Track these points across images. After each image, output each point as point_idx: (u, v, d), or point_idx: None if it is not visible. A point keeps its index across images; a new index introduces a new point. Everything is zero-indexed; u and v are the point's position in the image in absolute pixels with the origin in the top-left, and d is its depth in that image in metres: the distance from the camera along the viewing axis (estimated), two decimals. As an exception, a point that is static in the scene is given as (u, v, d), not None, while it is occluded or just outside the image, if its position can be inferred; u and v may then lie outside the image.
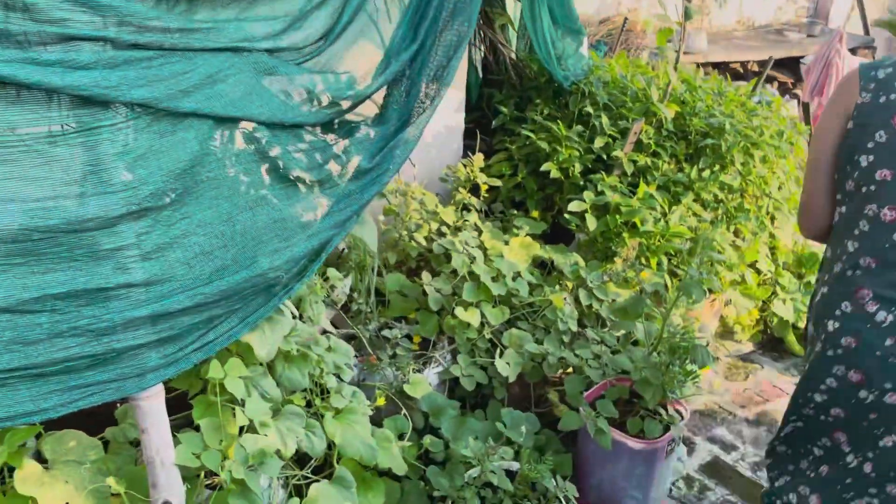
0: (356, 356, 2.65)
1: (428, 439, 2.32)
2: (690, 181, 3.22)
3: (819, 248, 3.58)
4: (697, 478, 2.77)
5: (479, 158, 3.33)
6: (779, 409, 3.18)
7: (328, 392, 2.13)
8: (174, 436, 1.79)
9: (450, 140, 3.64)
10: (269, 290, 1.80)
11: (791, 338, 3.57)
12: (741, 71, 9.35)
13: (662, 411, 2.25)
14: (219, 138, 1.73)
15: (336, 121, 2.00)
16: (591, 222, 3.01)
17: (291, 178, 1.86)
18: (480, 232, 3.16)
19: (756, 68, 9.73)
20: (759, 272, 3.29)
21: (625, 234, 2.98)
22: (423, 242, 3.02)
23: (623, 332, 2.57)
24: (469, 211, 3.23)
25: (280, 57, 1.87)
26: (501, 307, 2.75)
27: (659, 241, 3.02)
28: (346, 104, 1.99)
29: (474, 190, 3.41)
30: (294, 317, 2.14)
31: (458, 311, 2.65)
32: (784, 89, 8.38)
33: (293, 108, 1.87)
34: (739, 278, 3.11)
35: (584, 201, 3.05)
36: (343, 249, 2.71)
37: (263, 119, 1.79)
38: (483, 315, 2.69)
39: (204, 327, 1.70)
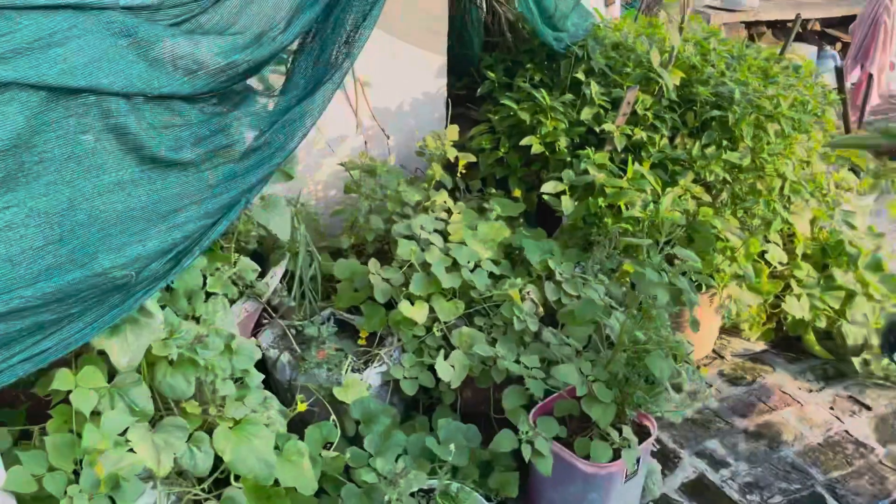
0: (291, 353, 2.40)
1: (349, 453, 2.06)
2: (691, 159, 2.82)
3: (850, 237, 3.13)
4: (675, 499, 2.43)
5: (452, 130, 3.00)
6: (784, 422, 2.80)
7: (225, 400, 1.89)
8: (19, 454, 1.58)
9: (430, 108, 3.31)
10: (123, 289, 1.55)
11: (810, 337, 3.16)
12: (800, 31, 8.63)
13: (614, 433, 1.93)
14: (57, 113, 1.47)
15: (221, 91, 1.71)
16: (568, 205, 2.66)
17: (156, 159, 1.59)
18: (452, 213, 2.85)
19: (818, 27, 8.97)
20: (768, 264, 2.88)
21: (606, 220, 2.62)
22: (381, 224, 2.72)
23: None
24: (439, 190, 2.92)
25: (145, 16, 1.59)
26: (456, 301, 2.45)
27: (647, 228, 2.65)
28: (233, 71, 1.70)
29: (453, 166, 3.09)
30: (186, 317, 1.90)
31: (403, 305, 2.36)
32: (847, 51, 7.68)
33: (161, 76, 1.59)
34: (743, 271, 2.72)
35: (563, 181, 2.70)
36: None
37: (117, 89, 1.52)
38: (433, 310, 2.40)
39: (37, 333, 1.47)
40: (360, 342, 2.48)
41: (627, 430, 1.95)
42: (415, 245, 2.46)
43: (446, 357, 2.29)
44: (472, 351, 2.27)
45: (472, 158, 2.99)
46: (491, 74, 3.27)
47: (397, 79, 3.19)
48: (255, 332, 2.46)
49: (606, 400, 1.90)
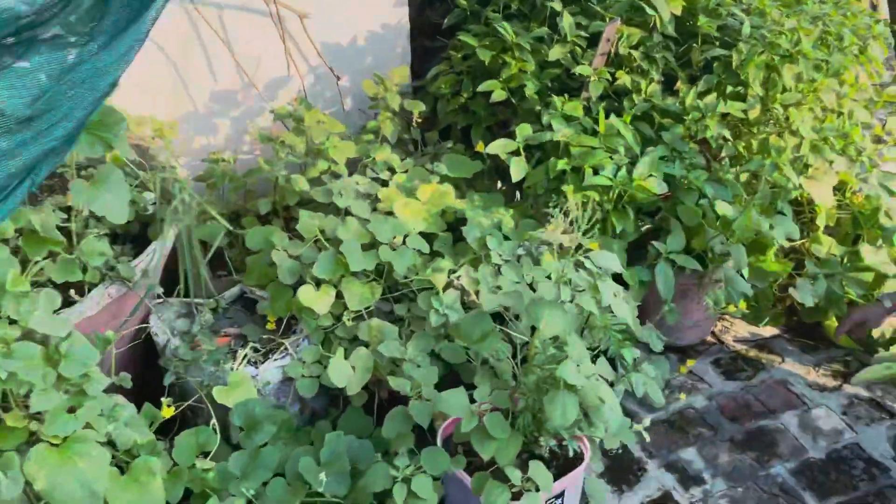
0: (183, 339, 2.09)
1: (213, 473, 1.76)
2: (684, 110, 2.29)
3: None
4: (627, 526, 2.06)
5: (400, 71, 2.56)
6: (782, 429, 2.35)
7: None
8: None
9: (390, 42, 2.84)
10: None
11: (831, 322, 2.65)
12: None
13: (514, 474, 1.54)
14: None
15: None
16: (518, 168, 2.20)
17: None
18: (395, 173, 2.44)
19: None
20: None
21: (564, 187, 2.16)
22: (307, 186, 2.34)
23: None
24: (384, 143, 2.50)
25: None
26: (373, 285, 2.07)
27: (618, 197, 2.18)
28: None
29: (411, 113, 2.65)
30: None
31: (304, 290, 2.00)
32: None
33: None
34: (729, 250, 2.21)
35: (516, 138, 2.23)
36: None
37: None
38: (342, 296, 2.03)
39: None
40: (269, 326, 2.15)
41: (536, 468, 1.56)
42: (321, 218, 2.08)
43: (347, 355, 1.93)
44: (378, 349, 1.90)
45: (422, 106, 2.54)
46: (462, 1, 2.76)
47: (348, 8, 2.73)
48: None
49: (501, 435, 1.51)
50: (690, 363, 2.45)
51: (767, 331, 2.74)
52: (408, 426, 1.72)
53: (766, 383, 2.53)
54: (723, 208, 2.10)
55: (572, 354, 1.46)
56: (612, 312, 1.58)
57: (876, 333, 2.50)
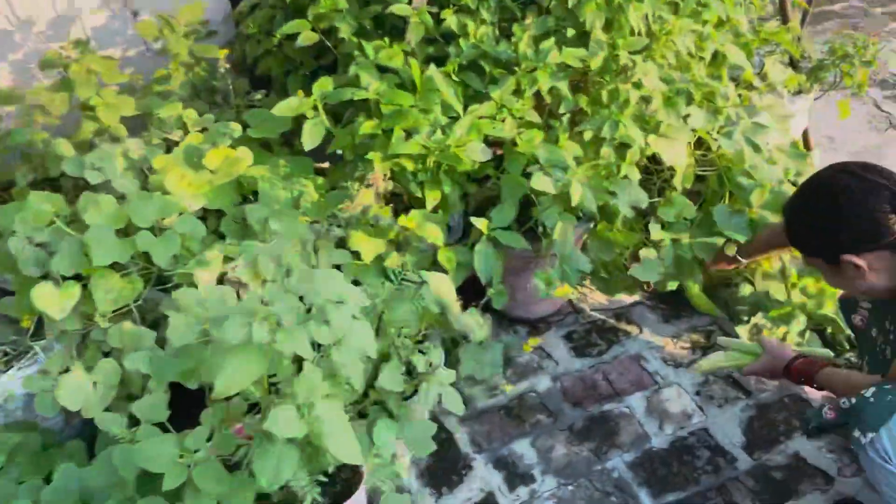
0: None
1: None
2: (517, 58, 1.96)
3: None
4: (437, 540, 1.85)
5: (191, 9, 2.14)
6: (626, 414, 2.14)
7: None
8: None
9: (199, -27, 2.41)
10: None
11: (694, 288, 2.43)
12: None
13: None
14: None
15: None
16: (312, 132, 1.85)
17: None
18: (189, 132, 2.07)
19: None
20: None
21: (371, 154, 1.83)
22: (72, 152, 1.96)
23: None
24: (177, 97, 2.12)
25: None
26: (134, 279, 1.74)
27: (436, 165, 1.87)
28: None
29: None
30: None
31: (41, 289, 1.66)
32: None
33: None
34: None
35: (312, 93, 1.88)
36: None
37: None
38: (91, 293, 1.70)
39: None
40: (24, 324, 1.82)
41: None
42: (59, 199, 1.72)
43: (90, 367, 1.62)
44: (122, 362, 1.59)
45: (216, 52, 2.15)
46: (280, -80, 2.33)
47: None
48: None
49: (218, 489, 1.24)
50: (533, 342, 2.22)
51: (629, 297, 2.52)
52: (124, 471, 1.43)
53: (618, 359, 2.31)
54: (541, 183, 1.81)
55: (299, 392, 1.18)
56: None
57: (735, 301, 2.29)
